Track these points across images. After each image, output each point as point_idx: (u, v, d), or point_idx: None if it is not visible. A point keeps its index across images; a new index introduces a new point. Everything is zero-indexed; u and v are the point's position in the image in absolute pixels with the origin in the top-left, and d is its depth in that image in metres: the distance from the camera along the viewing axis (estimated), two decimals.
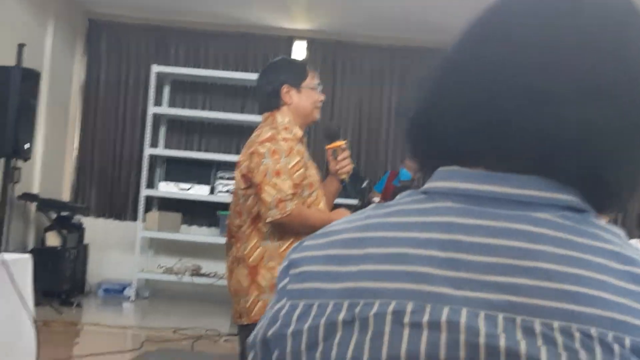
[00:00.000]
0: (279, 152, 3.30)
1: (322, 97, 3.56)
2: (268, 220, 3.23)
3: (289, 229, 3.26)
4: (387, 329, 0.82)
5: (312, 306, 0.88)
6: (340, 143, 3.55)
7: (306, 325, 0.87)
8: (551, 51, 0.85)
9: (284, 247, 3.28)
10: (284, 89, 3.46)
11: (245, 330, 3.32)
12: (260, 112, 3.55)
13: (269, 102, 3.48)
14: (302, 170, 3.35)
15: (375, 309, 0.83)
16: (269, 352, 0.91)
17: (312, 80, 3.52)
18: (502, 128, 0.85)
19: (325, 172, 3.56)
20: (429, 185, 0.91)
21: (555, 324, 0.76)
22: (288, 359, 0.88)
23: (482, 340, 0.77)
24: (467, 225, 0.84)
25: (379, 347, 0.82)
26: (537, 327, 0.77)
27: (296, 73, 3.51)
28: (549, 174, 0.84)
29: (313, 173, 3.43)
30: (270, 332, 0.91)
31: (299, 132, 3.44)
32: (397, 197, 0.93)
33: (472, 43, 0.90)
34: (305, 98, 3.49)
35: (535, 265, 0.79)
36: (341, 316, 0.85)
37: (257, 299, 3.28)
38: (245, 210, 3.35)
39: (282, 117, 3.44)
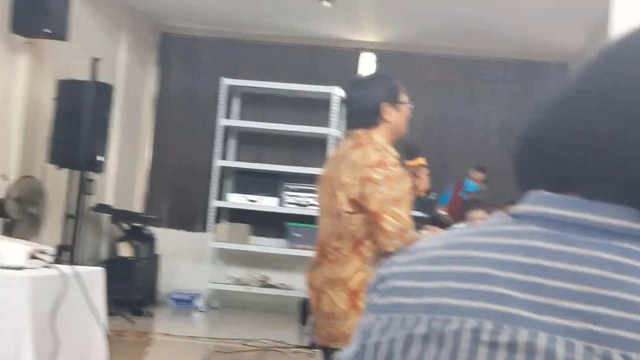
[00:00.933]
0: (393, 178, 3.19)
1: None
2: (390, 249, 3.13)
3: None
4: (464, 345, 0.83)
5: (393, 320, 0.89)
6: (422, 161, 3.47)
7: (385, 338, 0.89)
8: None
9: None
10: (384, 106, 3.33)
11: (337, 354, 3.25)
12: (351, 127, 3.42)
13: (366, 118, 3.34)
14: (410, 195, 3.28)
15: (453, 325, 0.84)
16: None
17: (405, 97, 3.42)
18: (614, 159, 0.85)
19: None
20: (519, 208, 0.91)
21: (634, 356, 0.76)
22: None
23: None
24: (551, 250, 0.84)
25: None
26: (615, 358, 0.76)
27: (394, 89, 3.40)
28: None
29: None
30: (354, 345, 0.93)
31: (396, 153, 3.33)
32: (489, 218, 0.95)
33: (600, 72, 0.89)
34: (401, 115, 3.38)
35: (618, 296, 0.79)
36: (419, 330, 0.86)
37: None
38: (347, 233, 3.25)
39: (379, 135, 3.32)
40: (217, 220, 9.20)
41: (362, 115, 3.37)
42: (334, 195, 3.31)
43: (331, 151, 8.41)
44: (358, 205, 3.23)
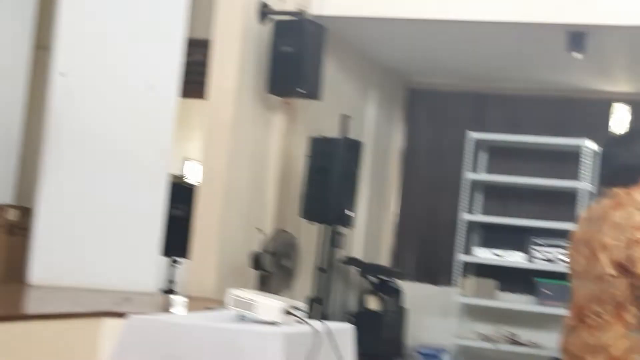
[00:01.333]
0: None
1: None
2: None
3: None
4: None
5: None
6: None
7: None
8: None
9: None
10: None
11: None
12: (608, 185, 3.34)
13: (626, 176, 3.25)
14: None
15: None
16: None
17: None
18: None
19: None
20: None
21: None
22: None
23: None
24: None
25: None
26: None
27: None
28: None
29: None
30: None
31: None
32: None
33: None
34: None
35: None
36: None
37: None
38: (610, 298, 3.16)
39: None
40: (464, 274, 9.12)
41: (621, 174, 3.26)
42: (594, 257, 3.19)
43: (582, 206, 8.14)
44: (623, 269, 3.10)
